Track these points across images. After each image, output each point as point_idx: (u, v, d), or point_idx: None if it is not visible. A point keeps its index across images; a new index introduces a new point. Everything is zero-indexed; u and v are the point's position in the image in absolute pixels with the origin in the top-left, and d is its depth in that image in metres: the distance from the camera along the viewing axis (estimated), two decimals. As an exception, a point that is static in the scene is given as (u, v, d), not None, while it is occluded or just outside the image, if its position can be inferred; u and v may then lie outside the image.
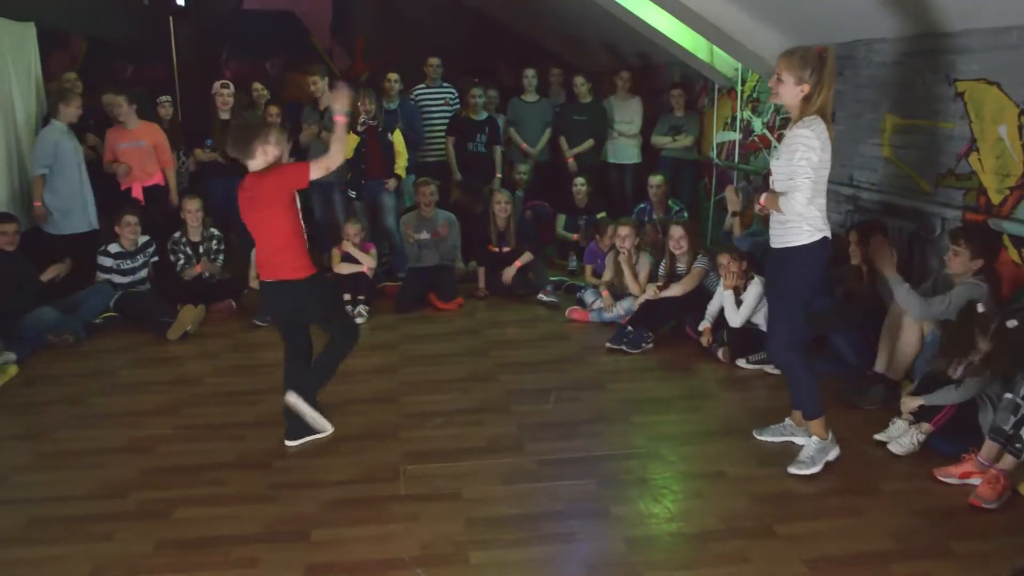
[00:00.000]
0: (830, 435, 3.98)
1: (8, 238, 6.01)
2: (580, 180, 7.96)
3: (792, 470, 3.89)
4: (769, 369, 5.14)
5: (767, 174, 6.84)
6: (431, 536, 3.42)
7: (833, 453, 3.97)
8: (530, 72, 8.35)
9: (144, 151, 7.01)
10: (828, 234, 3.81)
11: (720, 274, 5.56)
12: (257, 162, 4.10)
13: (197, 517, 3.61)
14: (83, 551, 3.36)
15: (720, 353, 5.37)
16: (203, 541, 3.42)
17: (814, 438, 3.97)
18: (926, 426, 4.05)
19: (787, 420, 4.28)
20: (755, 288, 5.33)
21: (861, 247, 5.02)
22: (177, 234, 6.79)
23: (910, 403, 4.16)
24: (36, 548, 3.41)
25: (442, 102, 8.17)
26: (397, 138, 7.38)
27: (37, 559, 3.33)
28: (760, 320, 5.30)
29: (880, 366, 4.70)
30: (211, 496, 3.79)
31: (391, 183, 7.37)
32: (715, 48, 7.24)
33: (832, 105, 3.78)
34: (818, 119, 3.67)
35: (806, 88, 3.67)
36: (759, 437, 4.28)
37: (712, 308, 5.57)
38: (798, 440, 4.16)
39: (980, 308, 4.04)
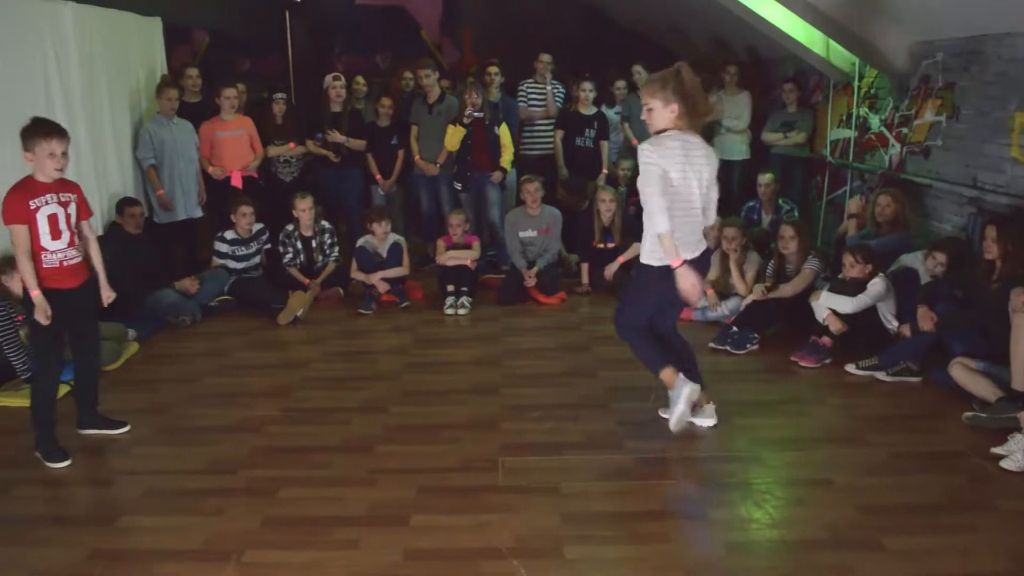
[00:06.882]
0: (679, 376, 4.18)
1: (136, 220, 6.35)
2: (686, 177, 7.83)
3: (664, 414, 4.31)
4: (880, 376, 4.97)
5: (883, 173, 6.65)
6: (527, 528, 3.43)
7: (687, 388, 4.13)
8: (637, 68, 8.23)
9: (242, 140, 7.25)
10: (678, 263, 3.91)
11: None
12: None
13: (302, 497, 3.72)
14: (195, 523, 3.51)
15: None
16: (307, 520, 3.52)
17: (670, 390, 4.24)
18: (1037, 439, 3.84)
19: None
20: (878, 285, 5.25)
21: (1000, 243, 4.71)
22: (290, 227, 6.94)
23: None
24: (152, 517, 3.58)
25: (546, 97, 8.15)
26: (503, 131, 7.41)
27: (153, 528, 3.49)
28: (888, 318, 5.31)
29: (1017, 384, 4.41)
30: (316, 477, 3.90)
31: (496, 176, 7.42)
32: (831, 42, 7.01)
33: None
34: (672, 133, 3.90)
35: (675, 107, 3.87)
36: (663, 415, 4.40)
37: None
38: (699, 422, 4.35)
39: None
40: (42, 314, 3.97)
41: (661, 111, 3.91)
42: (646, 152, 3.87)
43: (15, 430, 4.32)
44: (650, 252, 4.05)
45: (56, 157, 3.93)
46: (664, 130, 3.94)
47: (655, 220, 3.86)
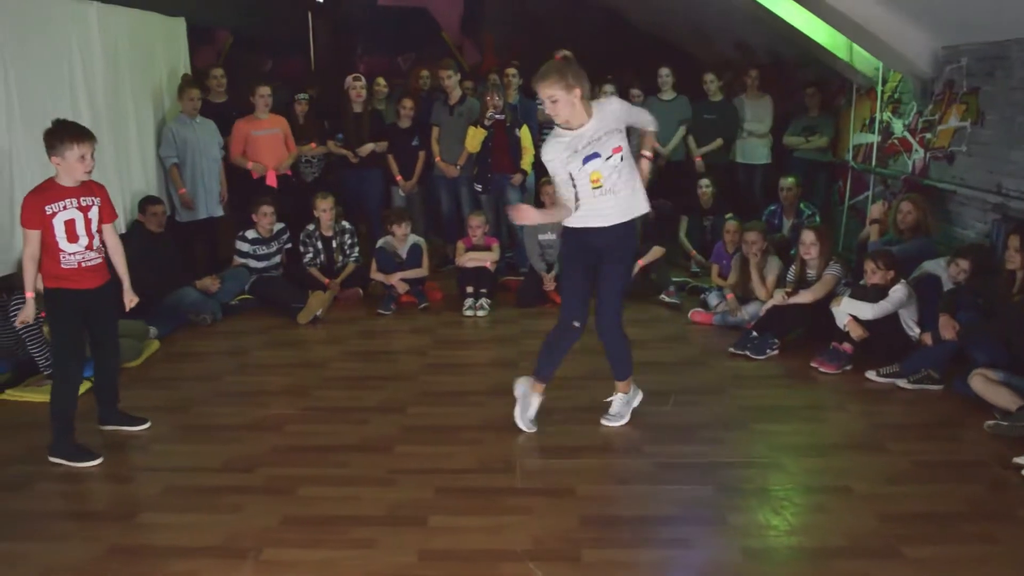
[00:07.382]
0: (632, 386, 4.46)
1: (158, 219, 6.41)
2: (705, 181, 7.81)
3: (605, 422, 4.43)
4: (901, 383, 4.92)
5: (906, 179, 6.60)
6: (544, 531, 3.42)
7: (636, 400, 4.51)
8: (664, 71, 8.21)
9: (277, 139, 7.30)
10: None
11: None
12: None
13: (320, 496, 3.73)
14: (214, 520, 3.53)
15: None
16: (324, 519, 3.53)
17: (620, 395, 4.45)
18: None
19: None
20: (900, 291, 5.19)
21: (1023, 253, 4.69)
22: (311, 227, 6.97)
23: None
24: (172, 515, 3.60)
25: None
26: (524, 133, 7.41)
27: (172, 525, 3.51)
28: (910, 324, 5.25)
29: None
30: (334, 476, 3.92)
31: (517, 178, 7.41)
32: (855, 46, 6.97)
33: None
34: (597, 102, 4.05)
35: (577, 91, 3.89)
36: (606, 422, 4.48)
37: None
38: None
39: None
40: (20, 319, 4.06)
41: (566, 98, 3.90)
42: (613, 100, 4.18)
43: (39, 425, 4.35)
44: (641, 193, 4.15)
45: (86, 160, 3.94)
46: (574, 121, 4.00)
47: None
